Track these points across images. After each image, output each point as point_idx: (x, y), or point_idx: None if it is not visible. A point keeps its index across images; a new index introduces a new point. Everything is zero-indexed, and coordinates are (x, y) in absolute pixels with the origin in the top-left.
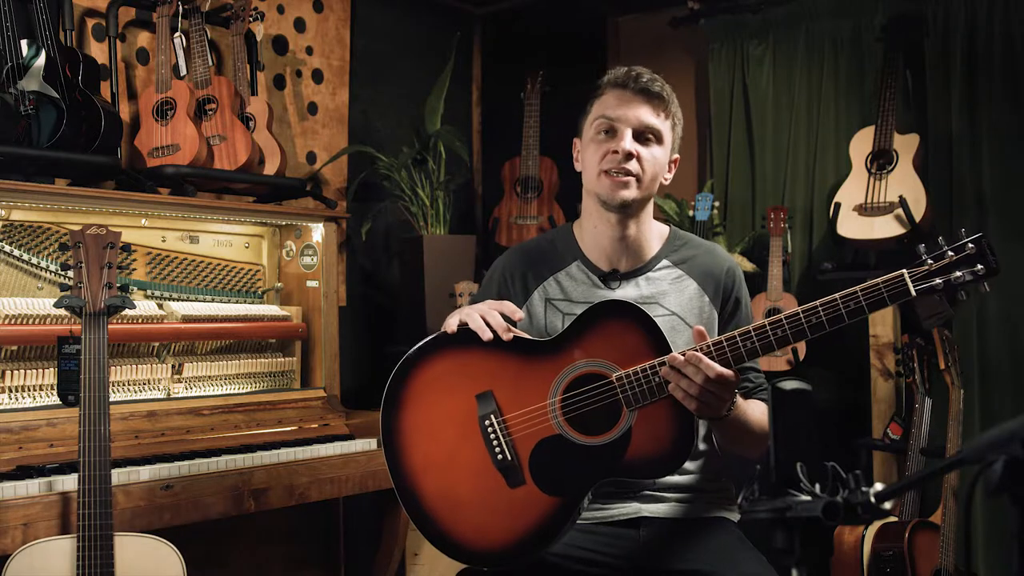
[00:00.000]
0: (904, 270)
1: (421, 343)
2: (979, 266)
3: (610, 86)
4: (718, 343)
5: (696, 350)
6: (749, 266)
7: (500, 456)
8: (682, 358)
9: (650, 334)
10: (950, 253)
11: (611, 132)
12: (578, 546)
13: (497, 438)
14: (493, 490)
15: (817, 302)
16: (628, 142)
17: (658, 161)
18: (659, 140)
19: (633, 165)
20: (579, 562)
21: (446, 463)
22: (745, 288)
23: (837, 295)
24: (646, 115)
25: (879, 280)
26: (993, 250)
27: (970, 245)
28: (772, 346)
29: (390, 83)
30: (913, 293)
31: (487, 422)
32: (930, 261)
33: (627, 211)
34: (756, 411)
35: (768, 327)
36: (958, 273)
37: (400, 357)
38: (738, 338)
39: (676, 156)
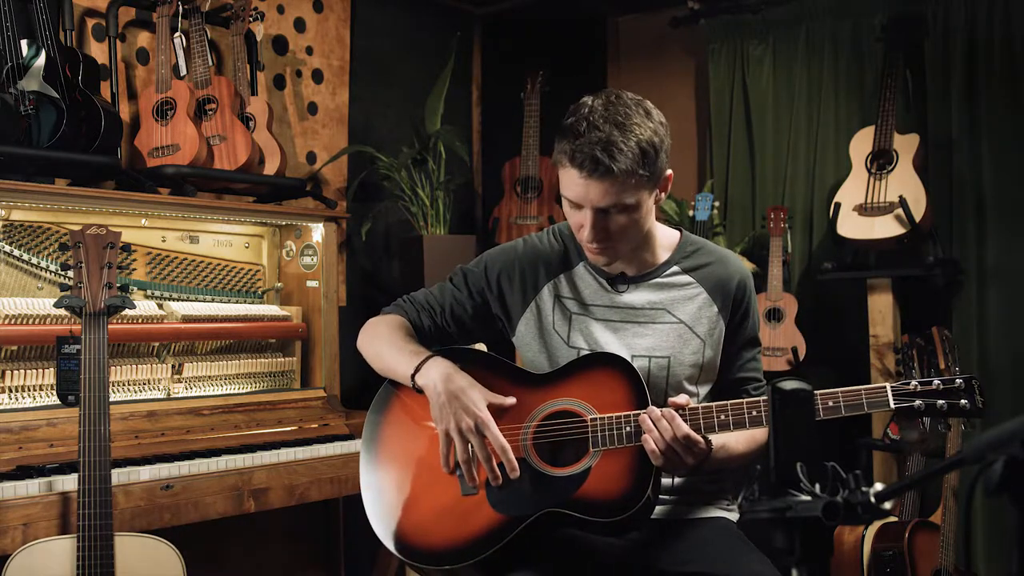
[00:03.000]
0: (888, 383)
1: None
2: (964, 402)
3: (566, 160)
4: (694, 411)
5: (673, 407)
6: (749, 266)
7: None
8: (659, 412)
9: (635, 390)
10: (937, 382)
11: (577, 207)
12: (580, 545)
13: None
14: (445, 493)
15: None
16: (591, 231)
17: (633, 222)
18: (628, 209)
19: (603, 241)
20: (581, 561)
21: (411, 459)
22: (755, 298)
23: (818, 392)
24: (606, 198)
25: (862, 388)
26: (982, 392)
27: (959, 381)
28: (744, 424)
29: (390, 83)
30: (891, 406)
31: None
32: (915, 384)
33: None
34: (739, 446)
35: (745, 407)
36: (941, 402)
37: None
38: (714, 410)
39: (669, 173)
